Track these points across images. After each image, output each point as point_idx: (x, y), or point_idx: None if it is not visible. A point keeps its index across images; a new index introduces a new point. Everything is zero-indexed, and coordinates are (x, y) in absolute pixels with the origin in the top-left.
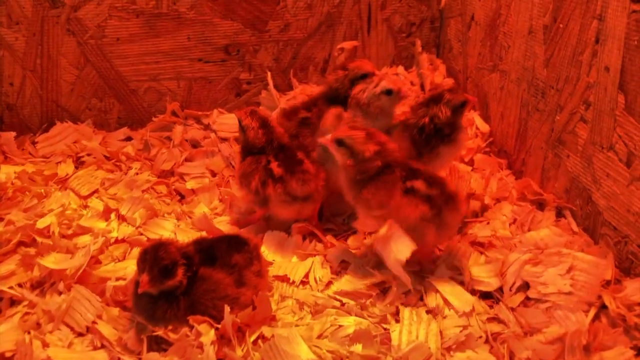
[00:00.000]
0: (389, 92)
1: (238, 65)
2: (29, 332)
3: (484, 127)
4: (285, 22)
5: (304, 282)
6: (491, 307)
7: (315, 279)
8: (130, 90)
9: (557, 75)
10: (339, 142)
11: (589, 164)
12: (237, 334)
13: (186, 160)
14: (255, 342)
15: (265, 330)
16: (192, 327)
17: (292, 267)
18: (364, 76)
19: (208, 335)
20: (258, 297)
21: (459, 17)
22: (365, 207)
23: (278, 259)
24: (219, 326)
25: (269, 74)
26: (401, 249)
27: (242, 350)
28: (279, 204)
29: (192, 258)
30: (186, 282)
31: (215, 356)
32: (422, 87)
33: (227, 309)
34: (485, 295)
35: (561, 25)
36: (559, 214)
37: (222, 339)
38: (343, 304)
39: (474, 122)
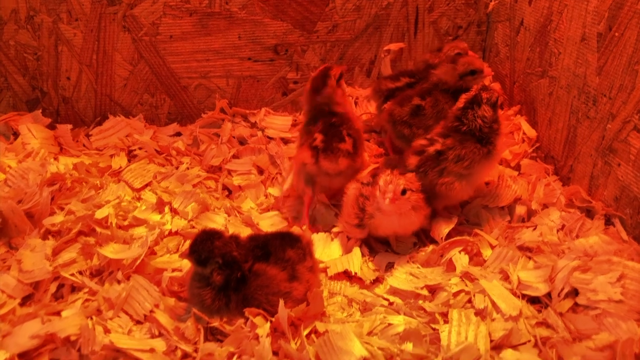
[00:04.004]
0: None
1: (286, 64)
2: (91, 318)
3: (531, 133)
4: (333, 23)
5: (351, 279)
6: (539, 311)
7: (363, 275)
8: (181, 86)
9: (611, 84)
10: None
11: None
12: (290, 328)
13: (234, 157)
14: (307, 337)
15: (319, 325)
16: (246, 320)
17: (340, 262)
18: (473, 72)
19: (263, 327)
20: (312, 293)
21: (507, 21)
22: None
23: (324, 258)
24: (273, 319)
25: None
26: None
27: (296, 343)
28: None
29: (233, 262)
30: (222, 280)
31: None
32: None
33: (281, 303)
34: (532, 300)
35: (617, 34)
36: (608, 222)
37: (276, 332)
38: (391, 303)
39: (521, 127)
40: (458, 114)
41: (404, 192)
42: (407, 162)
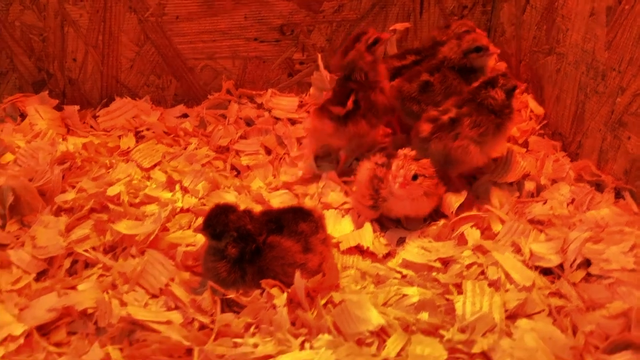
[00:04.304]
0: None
1: (292, 45)
2: (107, 292)
3: (538, 110)
4: (339, 3)
5: (363, 254)
6: (552, 282)
7: (375, 249)
8: (188, 68)
9: (620, 57)
10: None
11: None
12: (306, 299)
13: (241, 137)
14: (324, 307)
15: (335, 296)
16: (262, 291)
17: (352, 237)
18: (478, 49)
19: (280, 297)
20: (327, 264)
21: (513, 0)
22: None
23: (336, 234)
24: (290, 290)
25: (319, 56)
26: None
27: (313, 313)
28: None
29: (247, 235)
30: (237, 253)
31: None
32: None
33: (298, 273)
34: (545, 272)
35: (627, 7)
36: (618, 195)
37: (292, 303)
38: (404, 276)
39: (528, 104)
40: (472, 90)
41: (415, 177)
42: (420, 129)
